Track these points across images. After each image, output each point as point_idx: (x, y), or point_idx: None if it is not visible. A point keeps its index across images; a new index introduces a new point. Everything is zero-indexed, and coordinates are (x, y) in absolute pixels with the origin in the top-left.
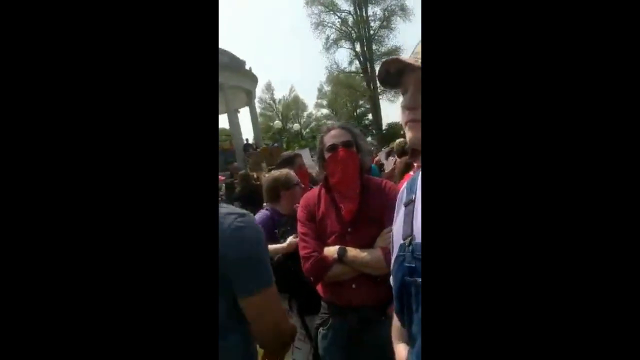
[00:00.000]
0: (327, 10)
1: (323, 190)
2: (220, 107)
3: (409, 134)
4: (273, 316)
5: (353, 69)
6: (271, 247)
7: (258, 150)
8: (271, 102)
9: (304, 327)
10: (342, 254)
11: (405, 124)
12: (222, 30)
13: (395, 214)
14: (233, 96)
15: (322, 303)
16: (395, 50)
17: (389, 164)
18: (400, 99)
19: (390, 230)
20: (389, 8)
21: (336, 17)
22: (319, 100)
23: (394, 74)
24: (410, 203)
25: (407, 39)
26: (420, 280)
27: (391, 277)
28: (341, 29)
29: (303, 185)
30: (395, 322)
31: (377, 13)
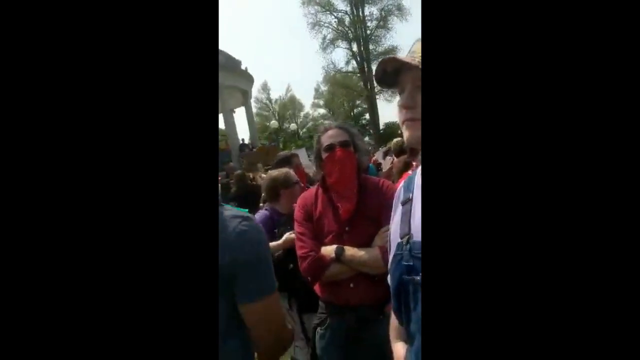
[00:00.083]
0: (324, 10)
1: (320, 190)
2: None
3: (406, 133)
4: (274, 323)
5: (350, 68)
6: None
7: (254, 150)
8: (267, 102)
9: (302, 326)
10: (339, 253)
11: (403, 122)
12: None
13: (392, 213)
14: (229, 96)
15: (320, 303)
16: (392, 50)
17: (387, 163)
18: (397, 98)
19: (388, 229)
20: (386, 8)
21: (333, 17)
22: (316, 100)
23: (391, 73)
24: (407, 202)
25: (403, 38)
26: (418, 278)
27: (389, 276)
28: (338, 29)
29: (302, 184)
30: (393, 321)
31: (374, 13)
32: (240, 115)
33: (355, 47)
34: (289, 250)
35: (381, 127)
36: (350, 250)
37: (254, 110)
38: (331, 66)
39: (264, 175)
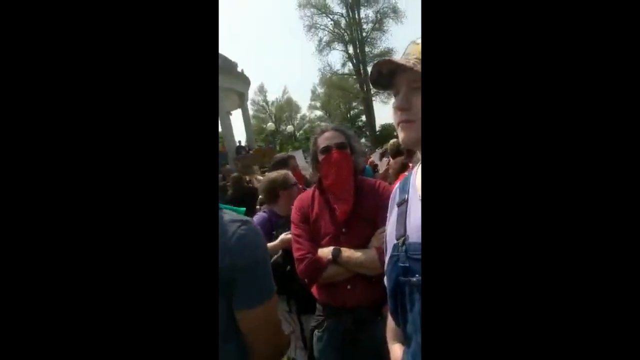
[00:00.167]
0: (320, 12)
1: (317, 192)
2: None
3: (401, 135)
4: (271, 330)
5: (346, 71)
6: None
7: (251, 152)
8: (264, 104)
9: (301, 328)
10: (336, 254)
11: (398, 124)
12: None
13: (388, 214)
14: (225, 98)
15: (317, 305)
16: (388, 52)
17: (383, 165)
18: (393, 100)
19: (384, 230)
20: (381, 10)
21: (329, 19)
22: (313, 102)
23: (386, 75)
24: (403, 203)
25: (399, 41)
26: (414, 279)
27: (385, 277)
28: (334, 31)
29: (300, 186)
30: (390, 323)
31: (370, 15)
32: (236, 118)
33: (351, 50)
34: (287, 252)
35: (377, 128)
36: (347, 252)
37: (251, 112)
38: (327, 68)
39: (260, 177)
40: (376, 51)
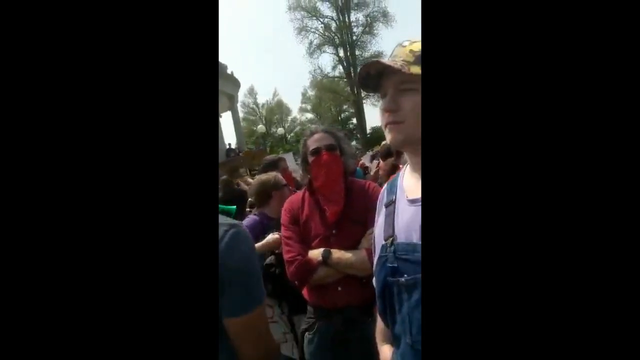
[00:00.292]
0: (310, 15)
1: (307, 194)
2: None
3: (389, 136)
4: (259, 337)
5: (337, 73)
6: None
7: (241, 154)
8: (254, 106)
9: (292, 330)
10: (326, 256)
11: (385, 126)
12: None
13: (376, 216)
14: None
15: (308, 307)
16: (378, 55)
17: (373, 167)
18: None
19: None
20: (371, 14)
21: (319, 22)
22: (303, 105)
23: (374, 77)
24: (390, 204)
25: (389, 44)
26: (402, 280)
27: (373, 279)
28: (324, 34)
29: (291, 188)
30: (379, 323)
31: (360, 19)
32: (226, 120)
33: (341, 53)
34: (278, 255)
35: (368, 131)
36: (337, 253)
37: (241, 114)
38: (318, 71)
39: (250, 180)
40: (366, 54)
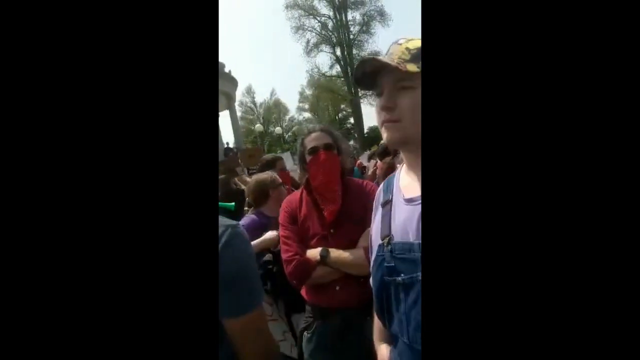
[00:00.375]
0: (307, 14)
1: (305, 193)
2: None
3: (385, 135)
4: (257, 338)
5: (334, 72)
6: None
7: (238, 154)
8: (252, 105)
9: (290, 329)
10: (324, 255)
11: (382, 124)
12: None
13: (372, 215)
14: None
15: (307, 307)
16: (375, 54)
17: (371, 166)
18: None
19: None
20: (368, 13)
21: (316, 21)
22: (301, 104)
23: (370, 74)
24: (387, 203)
25: (386, 43)
26: (399, 279)
27: (370, 278)
28: (321, 33)
29: (287, 186)
30: (377, 322)
31: (357, 18)
32: (224, 119)
33: (339, 52)
34: (276, 253)
35: (365, 131)
36: (335, 253)
37: (239, 114)
38: (315, 70)
39: (248, 179)
40: (363, 53)
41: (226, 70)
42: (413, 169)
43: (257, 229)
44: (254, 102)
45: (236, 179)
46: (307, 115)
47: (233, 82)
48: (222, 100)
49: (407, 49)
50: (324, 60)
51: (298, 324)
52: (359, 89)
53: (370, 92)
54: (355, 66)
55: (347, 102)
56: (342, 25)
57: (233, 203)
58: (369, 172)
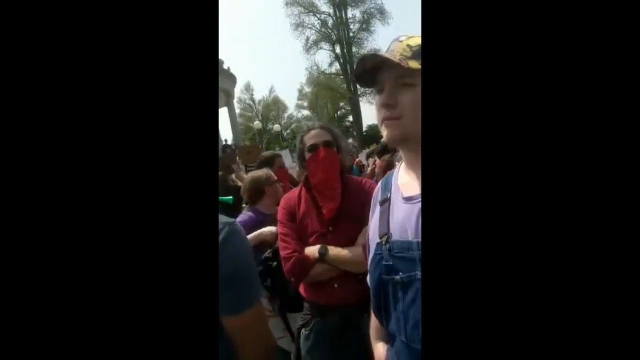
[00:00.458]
0: (307, 11)
1: (303, 190)
2: None
3: (385, 132)
4: (256, 335)
5: (333, 70)
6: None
7: (236, 151)
8: (251, 102)
9: (287, 327)
10: (323, 252)
11: (382, 122)
12: None
13: (370, 213)
14: None
15: (305, 304)
16: (375, 52)
17: (370, 164)
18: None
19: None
20: (368, 11)
21: (316, 18)
22: (300, 102)
23: (370, 71)
24: (385, 201)
25: (386, 42)
26: (397, 277)
27: (368, 276)
28: (321, 31)
29: (282, 183)
30: (374, 321)
31: (357, 15)
32: (222, 116)
33: (338, 49)
34: (276, 249)
35: (364, 129)
36: (333, 250)
37: (237, 111)
38: (315, 68)
39: (246, 175)
40: (363, 51)
41: (225, 67)
42: (412, 167)
43: (254, 226)
44: (252, 99)
45: (234, 175)
46: (305, 112)
47: (232, 79)
48: (220, 97)
49: (408, 45)
50: (324, 57)
51: (296, 321)
52: (358, 87)
53: (369, 90)
54: (354, 65)
55: (346, 100)
56: (341, 23)
57: (231, 197)
58: (368, 170)
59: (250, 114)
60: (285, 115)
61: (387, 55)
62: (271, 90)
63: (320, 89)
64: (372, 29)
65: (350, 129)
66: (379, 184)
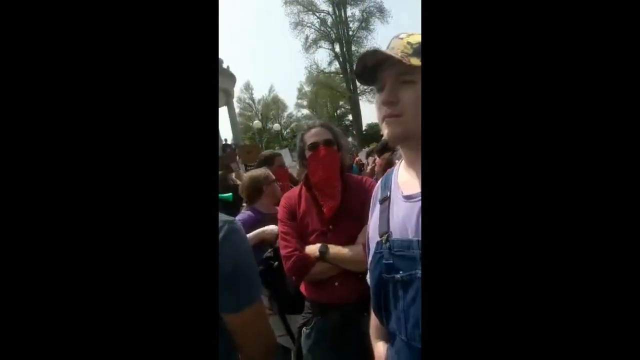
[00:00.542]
0: (306, 10)
1: (304, 189)
2: None
3: (386, 130)
4: (256, 332)
5: (333, 69)
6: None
7: (235, 150)
8: (250, 101)
9: (286, 327)
10: (323, 251)
11: (383, 119)
12: None
13: (370, 212)
14: None
15: (305, 302)
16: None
17: (370, 163)
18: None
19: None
20: (367, 9)
21: (315, 17)
22: (299, 101)
23: (371, 69)
24: (385, 200)
25: (385, 40)
26: (397, 276)
27: (368, 275)
28: (320, 29)
29: (282, 183)
30: (374, 320)
31: (356, 14)
32: (222, 115)
33: (337, 48)
34: (277, 248)
35: (364, 128)
36: (334, 249)
37: (237, 110)
38: (314, 66)
39: (245, 174)
40: (362, 50)
41: (224, 66)
42: (412, 165)
43: (252, 225)
44: (252, 99)
45: (233, 175)
46: (305, 111)
47: (231, 79)
48: (220, 97)
49: (408, 43)
50: (323, 56)
51: (296, 322)
52: (357, 86)
53: (369, 89)
54: (354, 63)
55: (346, 99)
56: (341, 22)
57: (230, 194)
58: (368, 169)
59: (249, 113)
60: (285, 114)
61: (388, 52)
62: (271, 90)
63: (320, 88)
64: (371, 27)
65: (350, 128)
66: (379, 182)
